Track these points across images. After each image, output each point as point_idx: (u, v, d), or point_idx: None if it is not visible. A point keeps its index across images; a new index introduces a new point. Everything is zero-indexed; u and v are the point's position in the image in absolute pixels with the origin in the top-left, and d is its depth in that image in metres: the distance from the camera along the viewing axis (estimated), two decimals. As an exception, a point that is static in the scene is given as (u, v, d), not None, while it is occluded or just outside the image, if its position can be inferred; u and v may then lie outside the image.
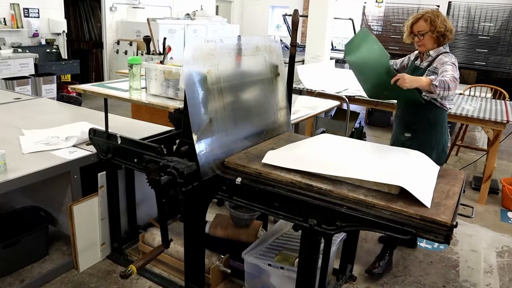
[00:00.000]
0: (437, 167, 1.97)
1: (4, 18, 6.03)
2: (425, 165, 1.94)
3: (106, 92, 2.29)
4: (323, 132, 4.80)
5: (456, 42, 7.66)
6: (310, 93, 4.35)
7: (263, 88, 2.32)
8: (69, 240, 2.46)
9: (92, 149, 2.45)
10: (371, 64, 2.24)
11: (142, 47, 6.66)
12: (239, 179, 1.83)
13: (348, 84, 4.38)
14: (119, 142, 2.28)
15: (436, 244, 3.04)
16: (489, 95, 5.29)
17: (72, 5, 8.02)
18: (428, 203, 1.56)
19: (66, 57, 6.95)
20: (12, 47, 5.98)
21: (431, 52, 2.43)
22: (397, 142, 2.59)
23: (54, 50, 6.65)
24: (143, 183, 2.17)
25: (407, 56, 2.65)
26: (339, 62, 6.37)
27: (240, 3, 11.41)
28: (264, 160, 1.88)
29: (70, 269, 2.49)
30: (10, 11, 6.06)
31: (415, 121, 2.51)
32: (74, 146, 2.54)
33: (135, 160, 2.23)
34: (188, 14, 8.15)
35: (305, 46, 5.20)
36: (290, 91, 2.51)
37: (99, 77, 7.83)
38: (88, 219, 2.45)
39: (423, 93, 2.34)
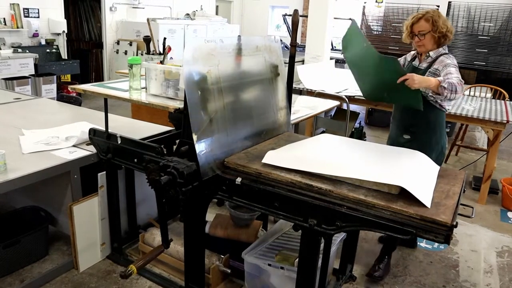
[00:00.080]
0: (437, 167, 1.97)
1: (4, 18, 6.03)
2: (425, 165, 1.94)
3: (106, 92, 2.29)
4: (323, 132, 4.80)
5: (456, 42, 7.67)
6: (310, 93, 4.35)
7: (263, 88, 2.32)
8: (69, 240, 2.46)
9: (92, 149, 2.45)
10: (372, 63, 2.22)
11: (142, 47, 6.66)
12: (239, 179, 1.83)
13: (348, 84, 4.38)
14: (119, 142, 2.28)
15: (436, 244, 3.04)
16: (489, 95, 5.29)
17: (72, 5, 8.02)
18: (428, 203, 1.56)
19: (66, 57, 6.95)
20: (12, 47, 5.99)
21: (431, 53, 2.41)
22: (395, 144, 2.54)
23: (54, 50, 6.65)
24: (143, 183, 2.17)
25: (403, 57, 2.62)
26: (339, 62, 6.37)
27: (240, 3, 11.42)
28: (264, 160, 1.88)
29: (70, 269, 2.49)
30: (10, 11, 6.07)
31: (414, 123, 2.49)
32: (74, 146, 2.54)
33: (135, 160, 2.23)
34: (188, 14, 8.16)
35: (305, 46, 5.20)
36: (290, 91, 2.51)
37: (99, 77, 7.83)
38: (88, 219, 2.45)
39: (429, 93, 2.33)
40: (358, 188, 1.69)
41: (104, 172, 2.43)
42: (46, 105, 3.64)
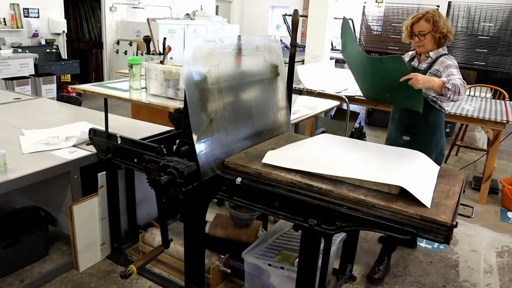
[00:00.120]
0: (437, 167, 1.97)
1: (4, 18, 6.03)
2: (425, 165, 1.94)
3: (106, 92, 2.29)
4: (323, 132, 4.80)
5: (456, 42, 7.67)
6: (310, 93, 4.35)
7: (263, 88, 2.32)
8: (69, 240, 2.46)
9: (92, 149, 2.45)
10: (370, 66, 2.21)
11: (142, 47, 6.66)
12: (239, 179, 1.83)
13: (348, 84, 4.38)
14: (119, 142, 2.28)
15: (436, 244, 3.04)
16: (489, 95, 5.29)
17: (72, 5, 8.02)
18: (428, 203, 1.56)
19: (66, 57, 6.95)
20: (12, 47, 5.99)
21: (431, 54, 2.39)
22: (395, 145, 2.46)
23: (54, 50, 6.65)
24: (143, 183, 2.17)
25: None
26: (339, 62, 6.37)
27: (240, 3, 11.42)
28: (264, 160, 1.88)
29: (70, 269, 2.49)
30: (10, 11, 6.07)
31: (414, 124, 2.46)
32: (74, 146, 2.54)
33: (135, 160, 2.23)
34: (188, 14, 8.16)
35: (305, 46, 5.20)
36: (290, 91, 2.51)
37: (99, 77, 7.83)
38: (88, 219, 2.45)
39: (432, 94, 2.33)
40: (358, 188, 1.69)
41: (104, 172, 2.43)
42: (46, 105, 3.64)
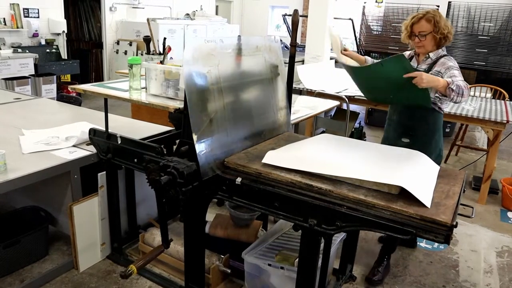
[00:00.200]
0: (437, 167, 1.97)
1: (4, 18, 6.03)
2: (425, 165, 1.93)
3: (106, 92, 2.29)
4: (323, 132, 4.80)
5: (456, 42, 7.67)
6: (310, 93, 4.35)
7: (263, 88, 2.32)
8: (69, 240, 2.46)
9: (92, 149, 2.45)
10: (373, 72, 2.18)
11: (142, 47, 6.66)
12: (239, 179, 1.83)
13: (348, 84, 4.38)
14: (119, 142, 2.28)
15: (436, 244, 3.04)
16: (489, 95, 5.29)
17: (72, 5, 8.02)
18: (428, 203, 1.56)
19: (66, 57, 6.95)
20: (12, 47, 5.99)
21: (431, 55, 2.36)
22: None
23: (54, 50, 6.65)
24: (143, 183, 2.17)
25: None
26: (339, 62, 6.36)
27: (240, 3, 11.42)
28: (264, 160, 1.88)
29: (70, 269, 2.49)
30: (10, 11, 6.07)
31: (414, 126, 2.44)
32: (74, 146, 2.54)
33: (135, 160, 2.23)
34: (188, 14, 8.16)
35: (305, 46, 5.21)
36: (290, 91, 2.51)
37: (99, 77, 7.83)
38: (88, 219, 2.45)
39: (435, 95, 2.30)
40: (358, 188, 1.69)
41: (104, 172, 2.43)
42: (46, 105, 3.64)
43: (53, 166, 2.24)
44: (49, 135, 2.69)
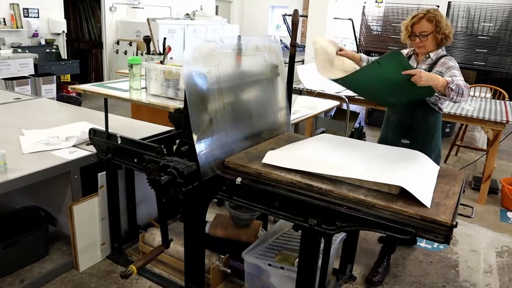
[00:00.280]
0: (437, 167, 1.97)
1: (4, 18, 6.03)
2: (425, 165, 1.94)
3: (106, 92, 2.29)
4: (323, 132, 4.80)
5: (455, 42, 7.67)
6: (310, 93, 4.35)
7: (263, 88, 2.32)
8: (69, 240, 2.46)
9: (92, 149, 2.45)
10: (370, 74, 2.07)
11: (142, 47, 6.66)
12: (239, 179, 1.83)
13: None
14: (119, 142, 2.28)
15: (436, 244, 3.04)
16: (489, 95, 5.29)
17: (72, 5, 8.02)
18: (428, 203, 1.56)
19: (66, 57, 6.95)
20: (12, 47, 5.99)
21: (431, 55, 2.33)
22: None
23: (53, 50, 6.65)
24: (143, 183, 2.17)
25: None
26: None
27: (240, 3, 11.42)
28: (264, 160, 1.89)
29: (70, 269, 2.49)
30: (10, 11, 6.07)
31: (414, 127, 2.42)
32: (74, 146, 2.54)
33: (135, 160, 2.23)
34: (187, 14, 8.16)
35: (305, 46, 5.21)
36: (290, 91, 2.51)
37: (99, 77, 7.83)
38: (88, 219, 2.45)
39: (435, 94, 2.28)
40: (358, 188, 1.69)
41: (104, 172, 2.43)
42: (46, 105, 3.64)
43: (53, 166, 2.24)
44: (49, 135, 2.69)
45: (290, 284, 2.06)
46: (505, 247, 3.10)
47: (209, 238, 2.48)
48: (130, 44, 7.14)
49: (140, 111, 3.82)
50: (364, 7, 8.83)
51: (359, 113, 5.02)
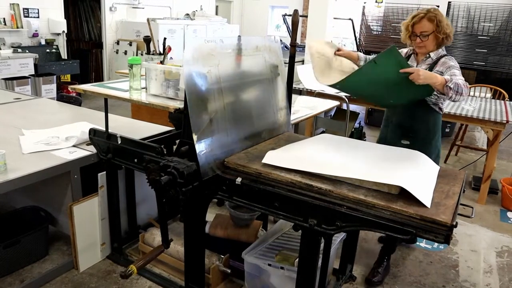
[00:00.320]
0: (437, 167, 1.97)
1: (4, 18, 6.03)
2: (425, 165, 1.94)
3: (106, 92, 2.29)
4: (323, 132, 4.80)
5: (455, 42, 7.68)
6: (310, 93, 4.35)
7: (263, 88, 2.32)
8: (69, 240, 2.46)
9: (92, 149, 2.45)
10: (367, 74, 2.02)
11: (142, 47, 6.66)
12: (239, 179, 1.83)
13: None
14: (119, 142, 2.28)
15: (436, 244, 3.04)
16: (489, 95, 5.29)
17: (72, 5, 8.02)
18: (428, 203, 1.56)
19: (66, 57, 6.95)
20: (12, 47, 5.99)
21: (432, 54, 2.32)
22: None
23: (54, 50, 6.65)
24: (143, 183, 2.17)
25: None
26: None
27: (240, 3, 11.42)
28: (264, 160, 1.89)
29: (70, 269, 2.49)
30: (10, 11, 6.07)
31: (414, 127, 2.41)
32: (74, 146, 2.54)
33: (135, 160, 2.23)
34: (187, 14, 8.16)
35: (305, 46, 5.20)
36: (290, 91, 2.51)
37: (99, 77, 7.83)
38: (88, 219, 2.45)
39: (434, 92, 2.26)
40: (358, 188, 1.69)
41: (104, 172, 2.43)
42: (46, 105, 3.64)
43: (53, 166, 2.24)
44: (49, 135, 2.69)
45: (290, 284, 2.06)
46: (505, 247, 3.10)
47: (209, 238, 2.48)
48: (130, 44, 7.14)
49: (140, 111, 3.82)
50: (364, 7, 8.84)
51: (359, 113, 5.02)
